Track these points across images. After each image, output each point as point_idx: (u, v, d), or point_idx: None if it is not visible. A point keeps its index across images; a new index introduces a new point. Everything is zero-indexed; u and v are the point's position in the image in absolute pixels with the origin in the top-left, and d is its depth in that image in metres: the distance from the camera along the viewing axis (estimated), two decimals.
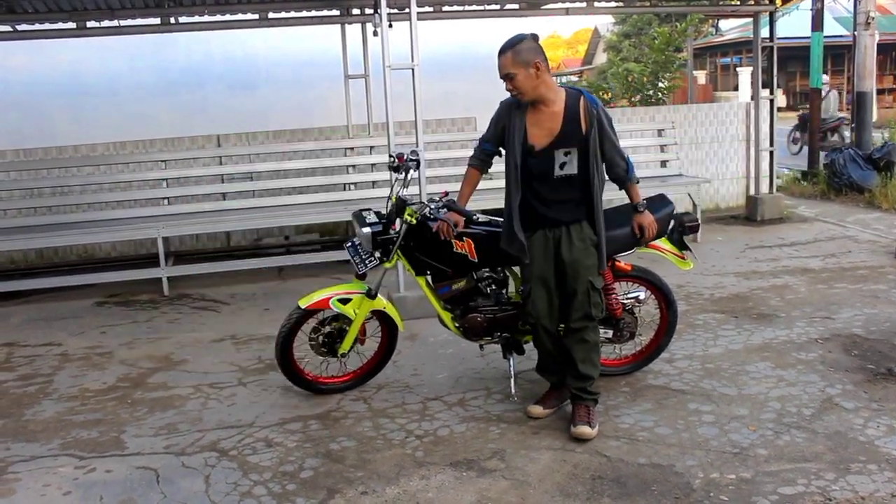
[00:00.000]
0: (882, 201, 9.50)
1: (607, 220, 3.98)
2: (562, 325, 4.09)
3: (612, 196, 4.71)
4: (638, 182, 4.06)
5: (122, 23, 7.70)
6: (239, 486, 3.57)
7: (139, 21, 7.79)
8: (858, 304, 5.76)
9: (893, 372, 4.47)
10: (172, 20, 7.77)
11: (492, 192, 8.00)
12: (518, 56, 3.71)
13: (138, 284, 7.30)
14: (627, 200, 4.18)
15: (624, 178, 3.98)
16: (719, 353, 4.92)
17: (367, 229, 4.25)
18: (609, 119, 3.87)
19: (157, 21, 7.73)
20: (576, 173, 3.83)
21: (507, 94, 3.86)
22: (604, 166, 3.91)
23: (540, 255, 3.95)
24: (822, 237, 8.13)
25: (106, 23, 7.62)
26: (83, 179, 7.87)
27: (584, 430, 3.87)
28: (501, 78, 3.78)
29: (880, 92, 23.79)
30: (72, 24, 7.55)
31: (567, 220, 3.88)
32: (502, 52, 3.76)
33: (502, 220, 4.32)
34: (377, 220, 4.33)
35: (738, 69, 29.64)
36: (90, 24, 7.59)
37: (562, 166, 3.83)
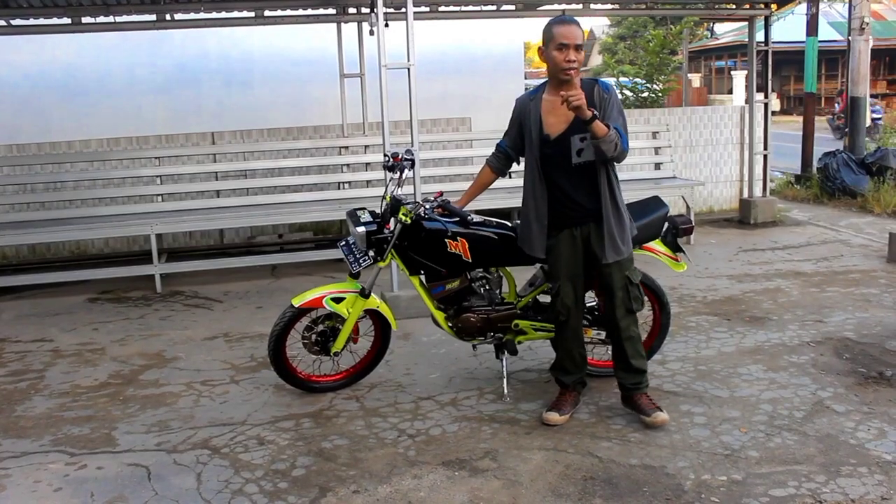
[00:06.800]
0: (874, 206, 9.53)
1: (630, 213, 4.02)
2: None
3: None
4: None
5: (118, 19, 7.69)
6: (230, 483, 3.56)
7: (135, 17, 7.79)
8: (850, 308, 5.78)
9: (884, 375, 4.49)
10: (168, 17, 7.75)
11: (485, 192, 8.04)
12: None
13: (131, 281, 7.29)
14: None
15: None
16: (712, 356, 4.93)
17: (361, 228, 4.24)
18: (619, 106, 3.82)
19: (153, 18, 7.71)
20: (593, 160, 3.78)
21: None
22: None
23: (569, 252, 3.93)
24: (814, 241, 8.16)
25: (101, 19, 7.60)
26: (77, 175, 7.85)
27: (662, 415, 3.92)
28: (567, 47, 3.68)
29: (874, 97, 23.88)
30: (67, 20, 7.52)
31: (592, 214, 3.84)
32: (576, 23, 3.74)
33: (498, 220, 4.34)
34: (371, 220, 4.32)
35: (732, 73, 29.73)
36: (85, 19, 7.55)
37: (579, 153, 3.79)
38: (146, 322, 6.18)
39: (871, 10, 12.66)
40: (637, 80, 16.90)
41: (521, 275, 4.52)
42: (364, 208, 4.51)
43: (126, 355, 5.40)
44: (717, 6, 9.32)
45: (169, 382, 4.86)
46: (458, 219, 4.26)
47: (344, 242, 4.43)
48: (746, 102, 9.50)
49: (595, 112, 3.62)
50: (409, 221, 4.19)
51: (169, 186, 7.94)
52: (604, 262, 3.87)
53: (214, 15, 8.01)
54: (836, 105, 20.61)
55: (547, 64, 3.82)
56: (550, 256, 4.00)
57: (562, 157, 3.83)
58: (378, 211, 4.38)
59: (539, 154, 3.88)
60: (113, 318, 6.31)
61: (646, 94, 16.34)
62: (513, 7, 8.61)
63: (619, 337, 4.02)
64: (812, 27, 11.56)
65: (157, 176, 7.92)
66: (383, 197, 4.34)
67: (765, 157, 9.33)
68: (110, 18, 7.61)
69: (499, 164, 4.26)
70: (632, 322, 4.01)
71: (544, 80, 4.07)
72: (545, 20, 3.96)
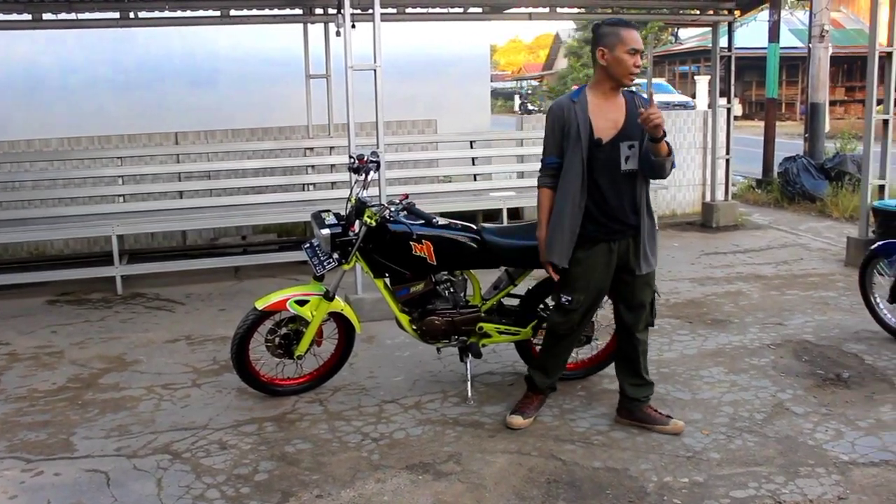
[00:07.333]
0: (833, 210, 9.71)
1: None
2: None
3: None
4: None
5: (80, 16, 7.57)
6: (192, 489, 3.52)
7: (97, 15, 7.66)
8: (809, 311, 5.87)
9: (842, 377, 4.57)
10: (132, 15, 7.66)
11: (450, 194, 8.07)
12: None
13: (91, 283, 7.17)
14: None
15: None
16: (674, 358, 4.98)
17: (325, 230, 4.23)
18: None
19: (116, 15, 7.61)
20: (636, 168, 3.76)
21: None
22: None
23: (603, 266, 3.84)
24: (775, 244, 8.29)
25: (63, 15, 7.48)
26: (36, 175, 7.72)
27: (679, 422, 3.97)
28: (637, 52, 3.64)
29: (832, 103, 24.35)
30: (27, 16, 7.39)
31: (632, 227, 3.80)
32: (636, 27, 3.69)
33: (463, 223, 4.33)
34: (336, 222, 4.30)
35: (696, 77, 30.10)
36: (47, 16, 7.43)
37: (627, 160, 3.73)
38: (106, 325, 6.09)
39: (831, 19, 12.92)
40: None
41: (486, 278, 4.53)
42: (329, 210, 4.49)
43: (85, 358, 5.31)
44: (681, 11, 9.43)
45: (129, 386, 4.78)
46: (422, 221, 4.26)
47: (308, 244, 4.40)
48: (709, 107, 9.61)
49: (665, 131, 3.59)
50: (373, 224, 4.19)
51: (131, 187, 7.85)
52: (638, 274, 3.85)
53: (179, 14, 7.93)
54: None
55: (609, 66, 3.68)
56: (578, 268, 3.83)
57: (612, 162, 3.74)
58: (343, 213, 4.36)
59: (588, 156, 3.72)
60: (72, 321, 6.20)
61: None
62: (480, 10, 8.64)
63: (636, 351, 4.01)
64: (774, 34, 11.75)
65: (118, 176, 7.81)
66: (348, 199, 4.33)
67: (727, 161, 9.45)
68: (72, 15, 7.49)
69: (556, 182, 3.91)
70: (647, 336, 4.05)
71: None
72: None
